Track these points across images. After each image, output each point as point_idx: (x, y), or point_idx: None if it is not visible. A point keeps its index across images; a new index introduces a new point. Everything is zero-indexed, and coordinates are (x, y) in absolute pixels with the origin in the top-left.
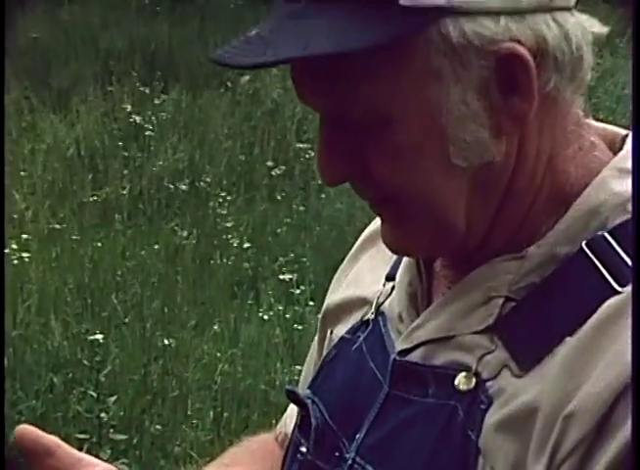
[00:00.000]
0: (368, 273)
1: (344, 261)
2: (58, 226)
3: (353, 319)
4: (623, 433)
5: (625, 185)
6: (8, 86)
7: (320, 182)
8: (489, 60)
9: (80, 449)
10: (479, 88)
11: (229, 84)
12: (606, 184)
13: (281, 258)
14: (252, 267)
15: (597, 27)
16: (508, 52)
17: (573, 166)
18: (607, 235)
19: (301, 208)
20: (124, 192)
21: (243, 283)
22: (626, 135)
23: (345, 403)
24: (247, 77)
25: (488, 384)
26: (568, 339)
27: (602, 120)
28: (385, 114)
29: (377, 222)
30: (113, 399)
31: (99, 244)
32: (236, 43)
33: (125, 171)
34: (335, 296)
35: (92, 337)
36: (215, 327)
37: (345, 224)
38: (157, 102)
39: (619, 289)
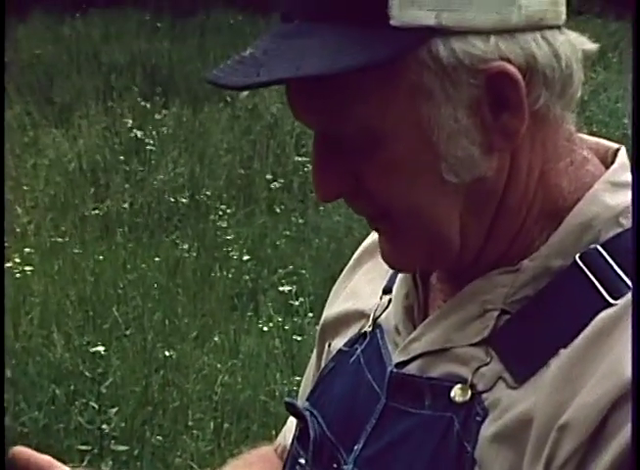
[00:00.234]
0: (365, 286)
1: (342, 275)
2: (60, 240)
3: (351, 332)
4: (617, 443)
5: (618, 198)
6: (10, 102)
7: None
8: (479, 78)
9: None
10: (469, 106)
11: (229, 99)
12: (598, 198)
13: (280, 271)
14: (252, 279)
15: (587, 45)
16: (498, 70)
17: (566, 181)
18: (600, 248)
19: (300, 220)
20: (125, 206)
21: (242, 295)
22: (618, 149)
23: (343, 416)
24: (246, 93)
25: (484, 396)
26: (562, 351)
27: (595, 134)
28: (377, 131)
29: (374, 235)
30: (114, 410)
31: (100, 257)
32: (230, 63)
33: (126, 185)
34: (332, 309)
35: (94, 349)
36: (215, 339)
37: (344, 236)
38: (157, 117)
39: (613, 302)
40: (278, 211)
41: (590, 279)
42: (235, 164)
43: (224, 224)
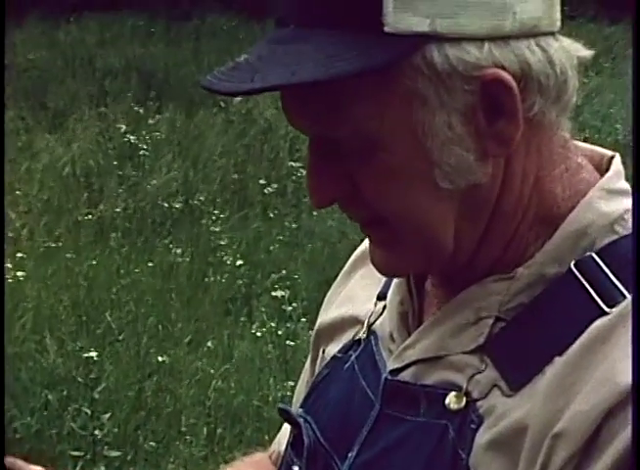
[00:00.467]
0: (360, 292)
1: (336, 280)
2: (53, 244)
3: (345, 338)
4: (611, 452)
5: (613, 206)
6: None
7: None
8: (474, 85)
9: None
10: (464, 113)
11: (222, 104)
12: (593, 205)
13: (274, 275)
14: (246, 284)
15: (582, 51)
16: (492, 77)
17: (560, 188)
18: (595, 256)
19: (294, 225)
20: (119, 210)
21: (236, 300)
22: (613, 156)
23: (338, 422)
24: (239, 98)
25: (479, 403)
26: (557, 358)
27: (588, 139)
28: (371, 137)
29: (368, 242)
30: (107, 415)
31: (94, 262)
32: (225, 69)
33: (120, 190)
34: (327, 315)
35: (87, 354)
36: (209, 344)
37: (337, 241)
38: (151, 121)
39: (608, 310)
40: (272, 215)
41: (585, 287)
42: (229, 169)
43: (218, 229)
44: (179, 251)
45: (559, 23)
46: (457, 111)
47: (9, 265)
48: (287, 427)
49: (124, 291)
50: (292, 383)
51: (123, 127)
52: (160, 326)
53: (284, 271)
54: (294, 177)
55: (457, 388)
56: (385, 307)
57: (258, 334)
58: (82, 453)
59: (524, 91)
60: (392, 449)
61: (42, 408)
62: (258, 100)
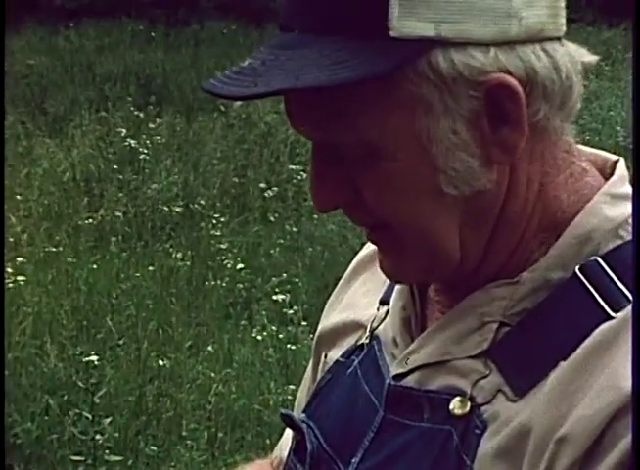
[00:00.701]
0: (362, 297)
1: (338, 286)
2: (53, 249)
3: (347, 343)
4: (614, 456)
5: (617, 211)
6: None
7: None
8: (479, 90)
9: None
10: (469, 118)
11: (222, 108)
12: (598, 210)
13: (274, 279)
14: (246, 288)
15: (587, 56)
16: (497, 82)
17: (565, 193)
18: (600, 260)
19: (294, 229)
20: (119, 215)
21: (236, 304)
22: (617, 161)
23: (341, 428)
24: (240, 102)
25: (483, 408)
26: (561, 363)
27: (588, 142)
28: (376, 143)
29: (369, 246)
30: (108, 420)
31: (94, 266)
32: (229, 73)
33: (120, 195)
34: (329, 320)
35: (87, 359)
36: (209, 348)
37: (337, 245)
38: (151, 126)
39: (613, 314)
40: (272, 219)
41: (590, 291)
42: (229, 173)
43: (218, 233)
44: (179, 255)
45: (564, 29)
46: (462, 116)
47: (9, 270)
48: (289, 433)
49: (125, 295)
50: (292, 387)
51: (123, 132)
52: (160, 330)
53: (284, 275)
54: (294, 181)
55: (461, 393)
56: (387, 313)
57: (259, 338)
58: (83, 458)
59: (529, 96)
60: (396, 455)
61: (43, 413)
62: (258, 104)
